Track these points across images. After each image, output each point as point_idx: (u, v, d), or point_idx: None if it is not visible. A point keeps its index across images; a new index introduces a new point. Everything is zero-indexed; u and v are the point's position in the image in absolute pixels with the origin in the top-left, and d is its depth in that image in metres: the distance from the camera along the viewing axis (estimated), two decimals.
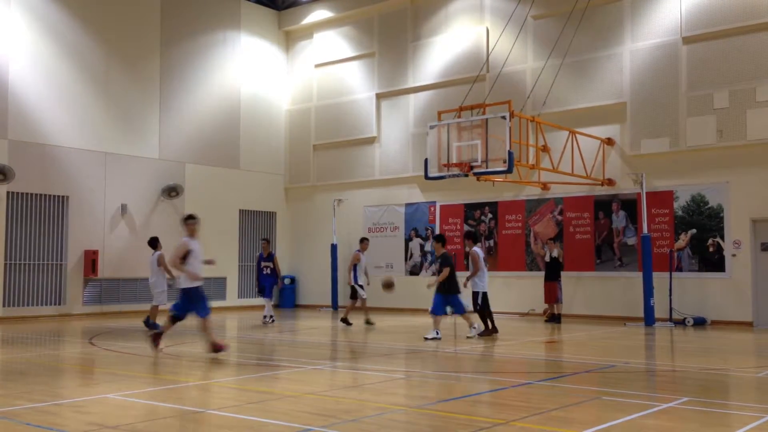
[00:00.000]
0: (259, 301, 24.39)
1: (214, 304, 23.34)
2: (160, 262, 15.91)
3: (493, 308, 20.12)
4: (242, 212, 24.03)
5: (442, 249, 14.49)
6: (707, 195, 17.31)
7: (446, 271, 13.80)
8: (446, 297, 13.88)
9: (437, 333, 13.61)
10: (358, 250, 17.15)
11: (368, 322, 16.78)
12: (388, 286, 15.62)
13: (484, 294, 14.46)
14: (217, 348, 10.83)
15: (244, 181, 23.99)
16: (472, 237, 15.20)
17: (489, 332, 14.29)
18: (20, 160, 18.71)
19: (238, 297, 23.57)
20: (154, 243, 16.34)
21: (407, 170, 22.29)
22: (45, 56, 19.55)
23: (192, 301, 10.96)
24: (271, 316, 17.58)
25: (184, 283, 11.00)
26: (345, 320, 16.75)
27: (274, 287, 18.28)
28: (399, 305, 21.91)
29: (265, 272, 17.59)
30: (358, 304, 16.98)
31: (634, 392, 7.85)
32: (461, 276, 14.60)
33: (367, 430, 6.08)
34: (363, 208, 23.32)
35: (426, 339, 13.44)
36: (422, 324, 17.66)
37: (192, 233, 11.22)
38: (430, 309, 14.08)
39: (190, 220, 11.33)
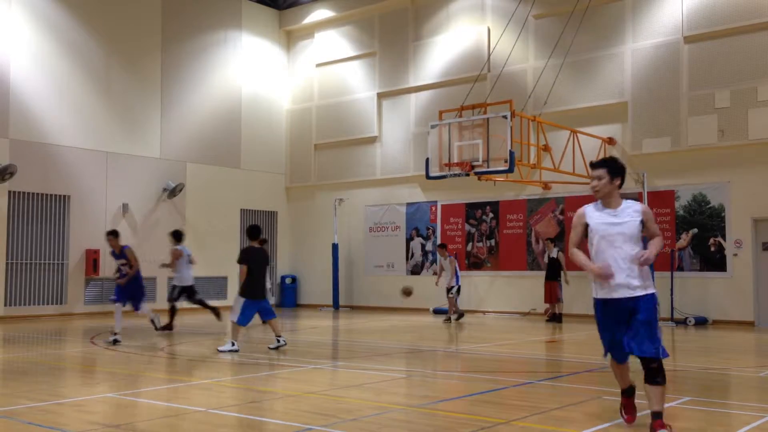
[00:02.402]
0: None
1: (214, 303, 23.33)
2: None
3: (494, 307, 20.25)
4: (243, 211, 24.03)
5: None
6: (708, 194, 17.29)
7: (244, 269, 11.76)
8: (255, 302, 11.85)
9: (234, 344, 11.55)
10: (450, 256, 18.38)
11: (449, 320, 17.91)
12: (407, 293, 18.10)
13: (184, 288, 15.09)
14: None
15: (245, 181, 24.00)
16: (178, 236, 15.47)
17: (168, 327, 14.81)
18: (21, 160, 18.71)
19: (239, 296, 23.50)
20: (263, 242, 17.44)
21: (408, 170, 22.28)
22: (46, 55, 19.56)
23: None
24: (114, 334, 12.94)
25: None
26: (457, 316, 17.90)
27: (143, 295, 13.88)
28: (399, 305, 21.92)
29: (123, 272, 13.54)
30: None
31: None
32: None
33: (368, 430, 6.08)
34: (364, 208, 23.31)
35: (220, 351, 11.39)
36: (423, 323, 17.67)
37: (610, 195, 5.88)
38: (234, 318, 11.87)
39: None
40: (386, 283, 22.66)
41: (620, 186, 5.80)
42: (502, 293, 20.31)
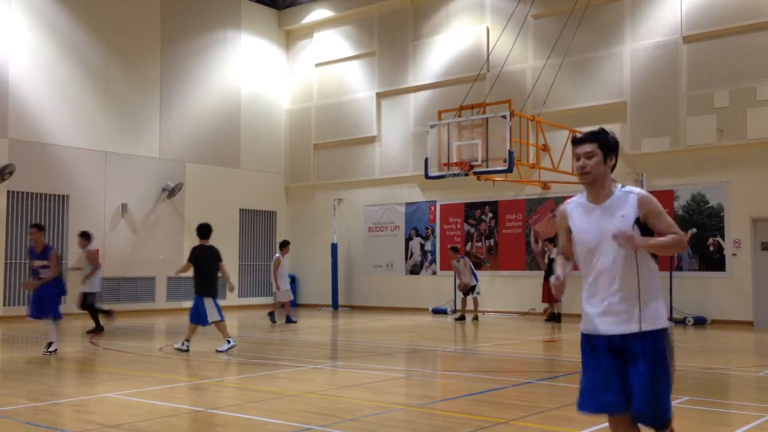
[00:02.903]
0: (259, 300, 24.56)
1: None
2: (276, 263, 17.63)
3: (494, 307, 20.25)
4: (243, 211, 24.03)
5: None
6: (707, 194, 17.30)
7: (187, 266, 11.75)
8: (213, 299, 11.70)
9: (230, 341, 11.50)
10: (463, 257, 18.56)
11: (474, 318, 18.23)
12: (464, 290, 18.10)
13: (93, 294, 14.76)
14: None
15: (245, 181, 23.99)
16: (89, 237, 15.05)
17: (100, 329, 14.51)
18: (20, 159, 18.70)
19: (239, 296, 23.56)
20: (281, 245, 17.78)
21: (407, 169, 22.28)
22: (45, 55, 19.55)
23: None
24: (49, 346, 11.25)
25: None
26: (459, 316, 18.28)
27: (60, 300, 11.67)
28: (399, 305, 21.93)
29: (41, 276, 11.42)
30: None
31: None
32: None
33: (367, 429, 6.08)
34: (363, 208, 23.31)
35: (219, 351, 11.33)
36: (423, 323, 17.67)
37: None
38: (216, 317, 11.64)
39: None
40: (385, 282, 22.68)
41: (614, 167, 4.21)
42: (501, 293, 20.31)
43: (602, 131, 4.22)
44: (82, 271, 14.73)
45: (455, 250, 18.39)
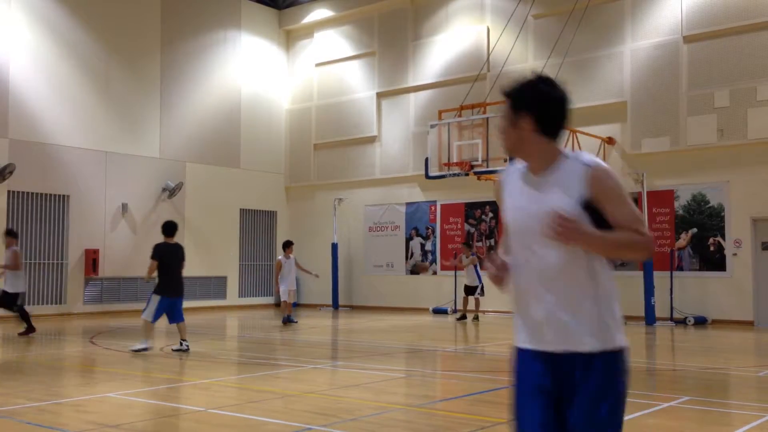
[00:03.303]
0: (260, 299, 24.58)
1: (214, 303, 23.17)
2: (276, 267, 17.53)
3: (494, 308, 20.24)
4: (243, 211, 24.03)
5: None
6: (708, 194, 17.30)
7: (153, 264, 11.40)
8: (170, 300, 11.46)
9: (145, 343, 11.39)
10: (474, 254, 18.36)
11: (475, 318, 18.07)
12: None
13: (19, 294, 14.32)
14: None
15: (245, 181, 23.99)
16: (14, 235, 14.79)
17: (31, 331, 14.08)
18: (21, 159, 18.69)
19: (239, 296, 23.57)
20: (283, 246, 17.60)
21: (408, 169, 22.28)
22: (45, 55, 19.54)
23: None
24: None
25: None
26: (460, 316, 18.14)
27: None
28: (399, 305, 21.93)
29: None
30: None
31: (634, 391, 7.83)
32: None
33: (368, 429, 6.08)
34: (364, 208, 23.31)
35: (133, 350, 11.27)
36: (423, 323, 17.67)
37: None
38: (147, 316, 11.43)
39: None
40: (386, 282, 22.67)
41: (549, 133, 2.86)
42: (501, 293, 20.27)
43: (520, 84, 2.91)
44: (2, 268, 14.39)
45: (468, 245, 18.38)
